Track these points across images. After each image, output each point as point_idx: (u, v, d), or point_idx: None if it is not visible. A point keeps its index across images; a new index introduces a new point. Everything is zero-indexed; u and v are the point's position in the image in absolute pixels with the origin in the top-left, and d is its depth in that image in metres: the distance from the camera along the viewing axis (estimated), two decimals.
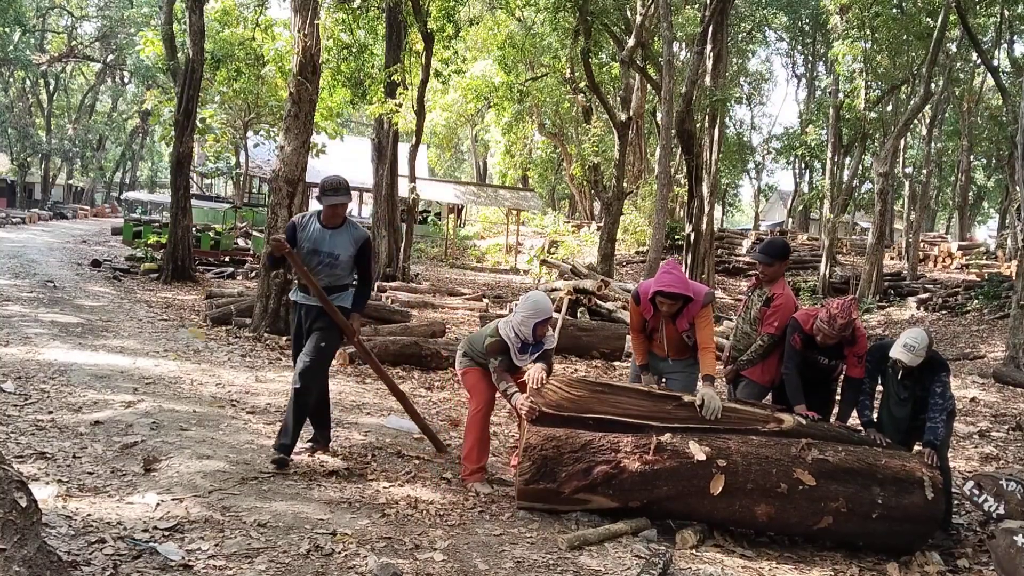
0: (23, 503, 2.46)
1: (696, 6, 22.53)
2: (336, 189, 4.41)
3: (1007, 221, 27.73)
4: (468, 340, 4.77)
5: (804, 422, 4.30)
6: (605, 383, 4.42)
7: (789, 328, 4.63)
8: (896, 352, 4.30)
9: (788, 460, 4.06)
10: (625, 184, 20.15)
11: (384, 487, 4.30)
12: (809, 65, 36.41)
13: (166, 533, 3.32)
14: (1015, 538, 3.69)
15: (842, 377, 4.75)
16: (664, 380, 4.77)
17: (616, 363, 9.37)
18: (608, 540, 3.83)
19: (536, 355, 4.47)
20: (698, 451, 4.01)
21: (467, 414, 4.76)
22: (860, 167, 24.01)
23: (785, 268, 5.04)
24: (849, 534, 4.19)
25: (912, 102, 19.40)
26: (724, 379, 5.13)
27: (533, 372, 4.26)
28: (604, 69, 23.37)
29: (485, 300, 14.07)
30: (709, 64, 16.68)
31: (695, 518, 4.12)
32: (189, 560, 3.09)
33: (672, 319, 4.53)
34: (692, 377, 4.66)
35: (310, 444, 4.76)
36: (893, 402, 4.56)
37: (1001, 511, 4.25)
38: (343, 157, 30.27)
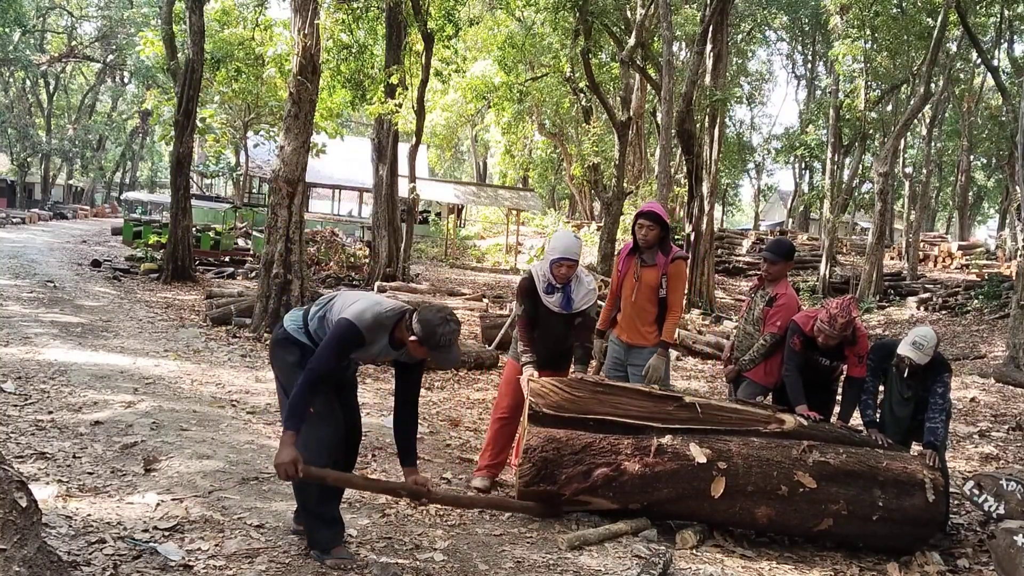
0: (23, 503, 2.46)
1: (696, 6, 22.52)
2: (451, 347, 3.18)
3: (1007, 221, 27.72)
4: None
5: (806, 423, 4.30)
6: (606, 383, 4.42)
7: (789, 330, 4.63)
8: (904, 349, 4.30)
9: (789, 462, 4.06)
10: (625, 184, 20.14)
11: None
12: (809, 65, 36.41)
13: (166, 533, 3.32)
14: (1015, 538, 3.69)
15: (843, 377, 4.75)
16: (628, 371, 4.76)
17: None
18: (608, 540, 3.83)
19: (569, 304, 4.36)
20: (699, 453, 4.01)
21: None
22: (860, 167, 24.00)
23: (789, 269, 5.07)
24: (850, 536, 4.18)
25: (912, 102, 19.38)
26: (725, 379, 5.13)
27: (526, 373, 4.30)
28: (604, 69, 23.35)
29: (485, 300, 14.05)
30: (709, 64, 16.65)
31: (695, 520, 4.12)
32: (189, 560, 3.09)
33: (645, 260, 4.59)
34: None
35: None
36: (896, 401, 4.56)
37: (1001, 511, 4.25)
38: (343, 157, 30.27)
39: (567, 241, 4.32)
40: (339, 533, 3.28)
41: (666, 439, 4.05)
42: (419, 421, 5.89)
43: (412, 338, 3.12)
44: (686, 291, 4.80)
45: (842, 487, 4.05)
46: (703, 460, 3.99)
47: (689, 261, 4.88)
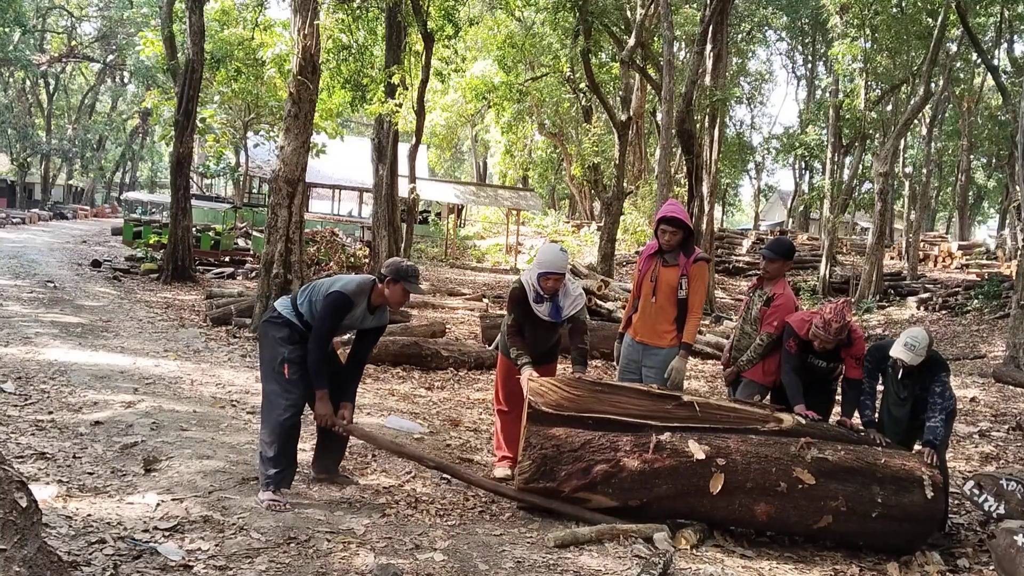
0: (23, 503, 2.46)
1: (696, 6, 22.52)
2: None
3: (1007, 221, 27.72)
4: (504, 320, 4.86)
5: (804, 422, 4.30)
6: (605, 382, 4.43)
7: (784, 333, 4.63)
8: (896, 351, 4.30)
9: (787, 459, 4.06)
10: (625, 184, 20.14)
11: (384, 487, 4.30)
12: (809, 65, 36.40)
13: (166, 533, 3.32)
14: (1015, 538, 3.69)
15: (841, 378, 4.75)
16: (642, 372, 4.79)
17: (616, 363, 9.36)
18: (605, 540, 3.83)
19: (558, 313, 4.45)
20: (697, 450, 4.01)
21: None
22: (860, 167, 23.99)
23: (787, 268, 5.07)
24: (849, 533, 4.18)
25: (912, 102, 19.38)
26: (724, 380, 5.14)
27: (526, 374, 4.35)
28: (604, 69, 23.35)
29: (485, 300, 14.05)
30: (709, 64, 16.64)
31: (695, 517, 4.12)
32: (189, 560, 3.09)
33: (667, 260, 4.65)
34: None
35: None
36: (893, 402, 4.56)
37: (1001, 511, 4.25)
38: (343, 157, 30.24)
39: (553, 256, 4.38)
40: (287, 478, 3.89)
41: (665, 436, 4.05)
42: (417, 420, 5.93)
43: (387, 280, 3.91)
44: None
45: (840, 483, 4.05)
46: (702, 457, 3.99)
47: (710, 264, 5.01)
